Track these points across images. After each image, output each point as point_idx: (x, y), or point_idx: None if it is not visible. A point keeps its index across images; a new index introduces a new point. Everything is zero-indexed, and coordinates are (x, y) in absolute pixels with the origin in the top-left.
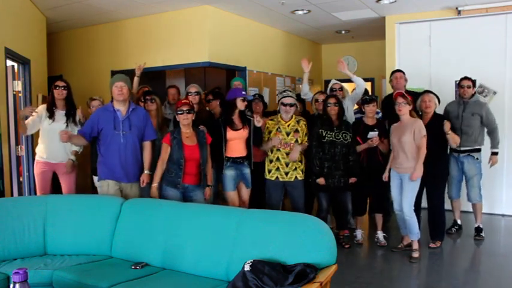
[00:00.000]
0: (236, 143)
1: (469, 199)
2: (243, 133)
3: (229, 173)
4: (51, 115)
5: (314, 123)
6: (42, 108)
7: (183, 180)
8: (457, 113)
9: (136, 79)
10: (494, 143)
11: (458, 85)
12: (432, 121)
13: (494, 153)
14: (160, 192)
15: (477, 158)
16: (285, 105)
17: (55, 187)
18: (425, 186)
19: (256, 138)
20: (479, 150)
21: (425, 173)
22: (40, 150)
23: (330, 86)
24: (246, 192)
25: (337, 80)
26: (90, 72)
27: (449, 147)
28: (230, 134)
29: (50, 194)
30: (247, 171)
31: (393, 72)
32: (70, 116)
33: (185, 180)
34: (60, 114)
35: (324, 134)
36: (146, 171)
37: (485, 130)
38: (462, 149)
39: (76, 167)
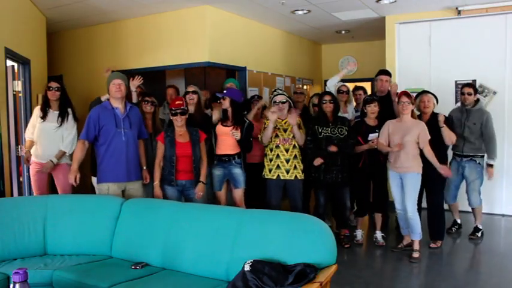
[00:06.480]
0: (224, 139)
1: (470, 203)
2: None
3: (215, 172)
4: (44, 115)
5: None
6: (36, 110)
7: (178, 177)
8: (460, 121)
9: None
10: (490, 155)
11: (460, 92)
12: (430, 121)
13: (490, 165)
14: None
15: (479, 163)
16: (277, 103)
17: (53, 187)
18: (424, 186)
19: (246, 141)
20: (482, 156)
21: (425, 173)
22: (34, 151)
23: (337, 87)
24: (236, 193)
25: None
26: (90, 72)
27: (452, 151)
28: (219, 128)
29: (50, 194)
30: (236, 170)
31: (379, 73)
32: (64, 116)
33: (180, 176)
34: (53, 114)
35: (319, 130)
36: (145, 167)
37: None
38: (465, 154)
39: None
